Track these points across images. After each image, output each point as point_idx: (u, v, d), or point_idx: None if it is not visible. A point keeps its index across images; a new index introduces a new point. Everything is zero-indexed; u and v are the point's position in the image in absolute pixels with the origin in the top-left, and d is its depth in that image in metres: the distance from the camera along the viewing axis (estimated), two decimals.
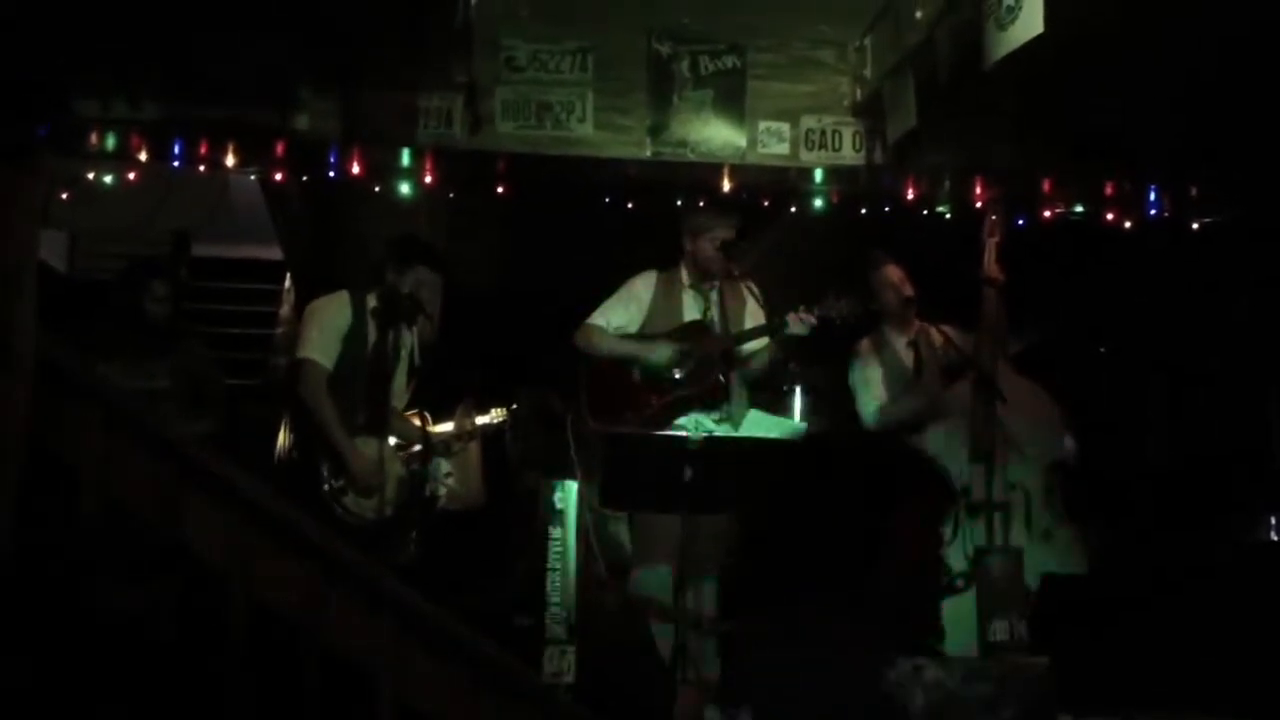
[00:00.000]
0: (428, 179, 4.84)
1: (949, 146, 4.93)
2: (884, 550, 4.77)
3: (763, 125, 4.94)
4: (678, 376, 4.42)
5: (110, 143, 4.58)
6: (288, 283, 7.11)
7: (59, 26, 3.38)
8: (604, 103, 4.85)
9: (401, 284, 4.30)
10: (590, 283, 4.72)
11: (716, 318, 4.50)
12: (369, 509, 4.18)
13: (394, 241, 4.48)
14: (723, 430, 4.32)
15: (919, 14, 4.22)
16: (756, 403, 4.60)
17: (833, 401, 5.66)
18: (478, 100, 4.78)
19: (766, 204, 5.20)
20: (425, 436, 4.45)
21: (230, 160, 4.69)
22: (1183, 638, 3.95)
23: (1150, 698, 3.82)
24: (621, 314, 4.58)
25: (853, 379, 4.92)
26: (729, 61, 4.91)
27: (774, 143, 4.95)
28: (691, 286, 4.59)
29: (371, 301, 4.33)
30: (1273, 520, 5.30)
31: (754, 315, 4.52)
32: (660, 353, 4.44)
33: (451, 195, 5.27)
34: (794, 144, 4.97)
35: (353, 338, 4.29)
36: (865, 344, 4.96)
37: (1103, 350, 6.00)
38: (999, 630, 4.15)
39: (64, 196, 5.68)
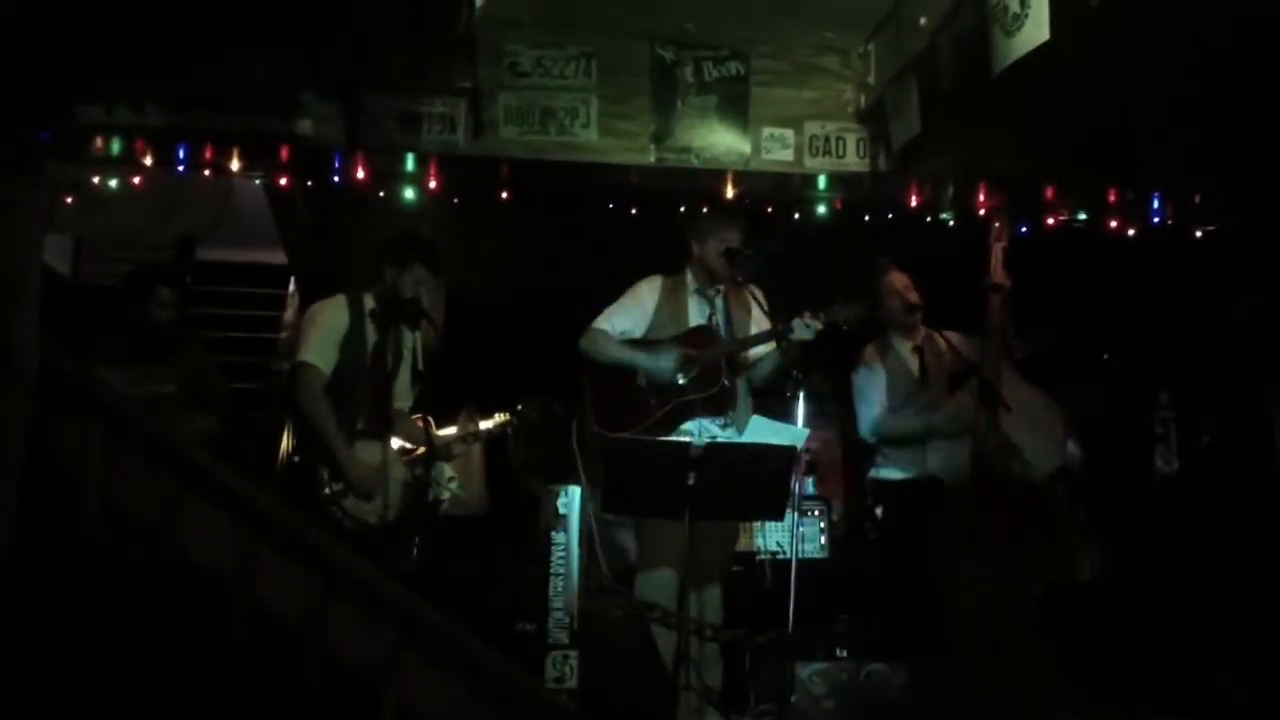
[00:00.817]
0: (431, 184, 4.83)
1: (952, 153, 4.91)
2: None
3: (766, 131, 4.93)
4: (682, 382, 4.40)
5: (115, 148, 4.57)
6: (292, 287, 7.14)
7: (62, 31, 3.38)
8: (608, 108, 4.84)
9: (401, 284, 4.29)
10: (594, 288, 4.71)
11: (721, 323, 4.50)
12: (370, 513, 4.16)
13: (390, 241, 4.48)
14: (727, 436, 4.32)
15: (923, 21, 4.22)
16: (760, 409, 4.59)
17: (837, 408, 5.67)
18: (481, 106, 4.77)
19: (770, 210, 5.19)
20: (429, 440, 4.45)
21: (235, 165, 4.68)
22: (1186, 641, 3.95)
23: (1154, 701, 3.82)
24: (626, 319, 4.57)
25: (856, 387, 4.92)
26: (733, 68, 4.90)
27: (778, 149, 4.93)
28: (697, 292, 4.59)
29: (369, 303, 4.33)
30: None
31: (759, 321, 4.51)
32: (665, 358, 4.43)
33: (455, 200, 5.27)
34: (798, 150, 4.95)
35: (351, 340, 4.28)
36: (870, 350, 4.96)
37: (1107, 356, 5.99)
38: None
39: (69, 201, 5.70)
